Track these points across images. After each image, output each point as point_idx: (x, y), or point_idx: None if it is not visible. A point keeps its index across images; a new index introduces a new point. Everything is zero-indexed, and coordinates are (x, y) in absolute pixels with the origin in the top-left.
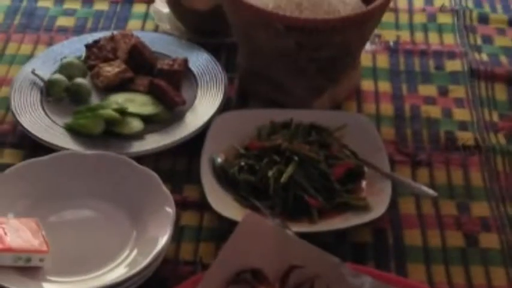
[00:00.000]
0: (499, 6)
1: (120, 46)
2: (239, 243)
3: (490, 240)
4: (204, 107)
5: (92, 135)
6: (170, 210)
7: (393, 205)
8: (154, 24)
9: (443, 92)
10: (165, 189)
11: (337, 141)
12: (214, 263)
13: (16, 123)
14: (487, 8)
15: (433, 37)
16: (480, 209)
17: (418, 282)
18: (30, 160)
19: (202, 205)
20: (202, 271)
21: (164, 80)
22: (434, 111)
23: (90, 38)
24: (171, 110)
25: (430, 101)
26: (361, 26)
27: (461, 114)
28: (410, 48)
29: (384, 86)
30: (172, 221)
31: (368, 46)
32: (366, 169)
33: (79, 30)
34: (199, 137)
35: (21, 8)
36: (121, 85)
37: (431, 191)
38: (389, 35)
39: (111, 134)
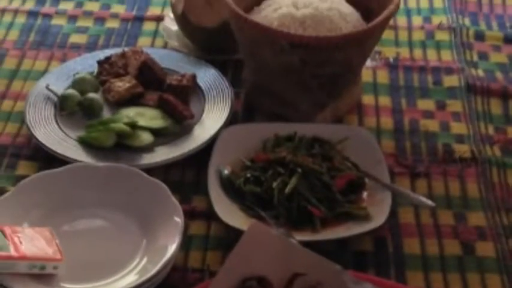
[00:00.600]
0: (494, 24)
1: (130, 62)
2: (245, 252)
3: (486, 249)
4: (211, 120)
5: (103, 147)
6: (179, 219)
7: (393, 215)
8: (163, 42)
9: (441, 107)
10: (174, 200)
11: (339, 154)
12: (221, 270)
13: (31, 136)
14: (483, 26)
15: (431, 54)
16: (476, 218)
17: None
18: (44, 172)
19: (210, 215)
20: (210, 278)
21: (173, 94)
22: (433, 125)
23: (102, 54)
24: (179, 123)
25: (428, 115)
26: (362, 43)
27: (458, 127)
28: (410, 64)
29: (384, 100)
30: (181, 230)
31: (369, 62)
32: (366, 180)
33: (91, 47)
34: (206, 150)
35: (35, 25)
36: (131, 100)
37: (429, 202)
38: (389, 52)
39: (122, 146)
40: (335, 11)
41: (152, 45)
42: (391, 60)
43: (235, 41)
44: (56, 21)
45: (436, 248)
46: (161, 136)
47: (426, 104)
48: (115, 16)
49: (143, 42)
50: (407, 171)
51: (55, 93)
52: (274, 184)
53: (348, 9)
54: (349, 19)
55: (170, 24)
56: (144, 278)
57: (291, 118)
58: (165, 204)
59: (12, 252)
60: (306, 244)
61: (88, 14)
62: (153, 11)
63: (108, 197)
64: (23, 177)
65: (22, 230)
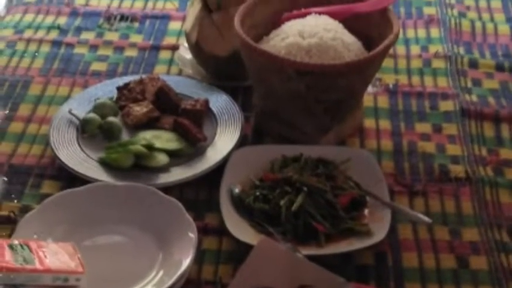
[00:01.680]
0: (487, 53)
1: (148, 88)
2: (254, 265)
3: (479, 262)
4: (223, 142)
5: (122, 168)
6: (193, 235)
7: (392, 231)
8: (178, 69)
9: (438, 130)
10: (188, 217)
11: (342, 174)
12: (232, 282)
13: (55, 157)
14: (476, 54)
15: (428, 80)
16: (470, 234)
17: None
18: (67, 190)
19: (222, 231)
20: None
21: (187, 118)
22: (429, 147)
23: (121, 81)
24: (193, 145)
25: (425, 137)
26: (363, 70)
27: (453, 149)
28: (408, 90)
29: (384, 124)
30: (195, 245)
31: (370, 88)
32: (368, 198)
33: (111, 74)
34: (218, 170)
35: (59, 54)
36: (148, 123)
37: (426, 218)
38: (389, 79)
39: (139, 167)
40: (338, 41)
41: (168, 72)
42: (391, 86)
43: (245, 68)
44: (78, 50)
45: (432, 261)
46: (176, 157)
47: (423, 127)
48: (133, 45)
49: (159, 69)
50: (406, 190)
51: (77, 117)
52: (282, 202)
53: (351, 38)
54: (352, 48)
55: (185, 53)
56: None
57: (297, 140)
58: (179, 221)
59: (38, 265)
60: (312, 258)
61: (108, 43)
62: (169, 40)
63: (127, 214)
64: (47, 195)
65: (47, 245)
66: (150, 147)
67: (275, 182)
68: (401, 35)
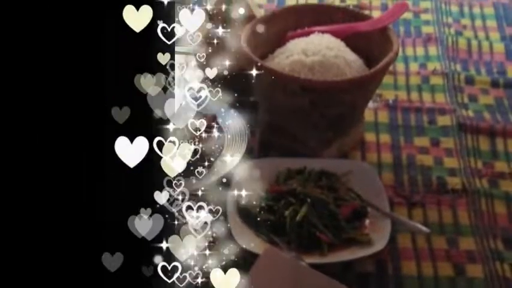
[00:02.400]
0: (483, 70)
1: None
2: (260, 273)
3: (475, 270)
4: (230, 156)
5: None
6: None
7: (392, 240)
8: None
9: (435, 143)
10: None
11: (344, 186)
12: None
13: None
14: (472, 71)
15: (427, 96)
16: (467, 243)
17: None
18: None
19: (229, 240)
20: None
21: None
22: (427, 160)
23: None
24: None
25: (423, 151)
26: (365, 86)
27: (450, 162)
28: (407, 106)
29: (384, 138)
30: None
31: (371, 104)
32: (369, 209)
33: None
34: (226, 182)
35: None
36: None
37: (424, 228)
38: (389, 95)
39: None
40: (341, 58)
41: None
42: (391, 102)
43: (251, 84)
44: None
45: (430, 269)
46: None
47: (422, 141)
48: None
49: None
50: (405, 201)
51: None
52: (286, 213)
53: (352, 56)
54: (353, 65)
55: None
56: None
57: (302, 154)
58: None
59: None
60: (315, 266)
61: None
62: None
63: None
64: None
65: None
66: None
67: (280, 194)
68: (400, 53)
